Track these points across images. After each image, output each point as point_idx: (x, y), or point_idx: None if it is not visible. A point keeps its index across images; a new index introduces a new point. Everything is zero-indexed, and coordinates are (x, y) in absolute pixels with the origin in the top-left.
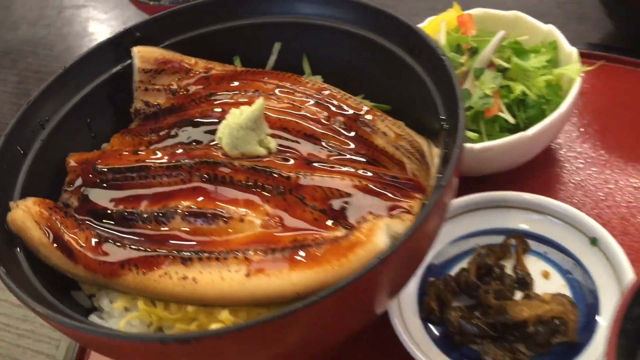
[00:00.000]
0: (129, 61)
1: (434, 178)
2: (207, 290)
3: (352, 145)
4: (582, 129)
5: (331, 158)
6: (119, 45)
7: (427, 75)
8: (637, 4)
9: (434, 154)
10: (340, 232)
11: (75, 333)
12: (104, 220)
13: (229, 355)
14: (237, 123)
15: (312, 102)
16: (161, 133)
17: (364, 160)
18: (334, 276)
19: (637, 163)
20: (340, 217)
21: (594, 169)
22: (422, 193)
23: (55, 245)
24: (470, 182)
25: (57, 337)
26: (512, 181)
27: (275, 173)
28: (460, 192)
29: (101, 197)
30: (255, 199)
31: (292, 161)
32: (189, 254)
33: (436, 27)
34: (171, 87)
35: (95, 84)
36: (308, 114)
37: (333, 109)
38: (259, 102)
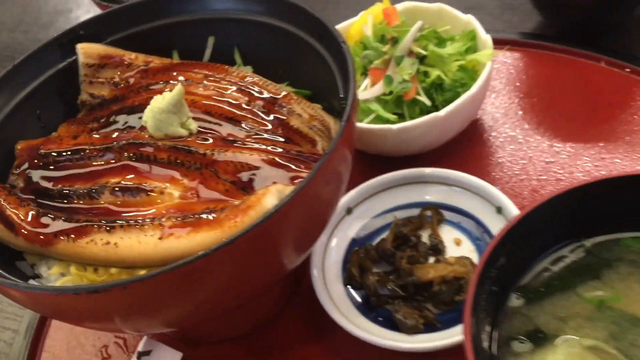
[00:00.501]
0: (74, 57)
1: None
2: (126, 253)
3: (270, 126)
4: (502, 111)
5: (248, 138)
6: (65, 43)
7: (333, 61)
8: (560, 1)
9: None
10: None
11: (5, 290)
12: (45, 198)
13: (134, 303)
14: (159, 107)
15: (234, 88)
16: (101, 120)
17: (281, 139)
18: (231, 235)
19: (550, 140)
20: (248, 187)
21: (511, 147)
22: None
23: None
24: (397, 162)
25: (21, 314)
26: (437, 160)
27: (192, 150)
28: (387, 171)
29: (43, 177)
30: (175, 174)
31: (210, 140)
32: (112, 222)
33: (366, 20)
34: (114, 79)
35: (43, 78)
36: (230, 99)
37: (254, 94)
38: (178, 87)
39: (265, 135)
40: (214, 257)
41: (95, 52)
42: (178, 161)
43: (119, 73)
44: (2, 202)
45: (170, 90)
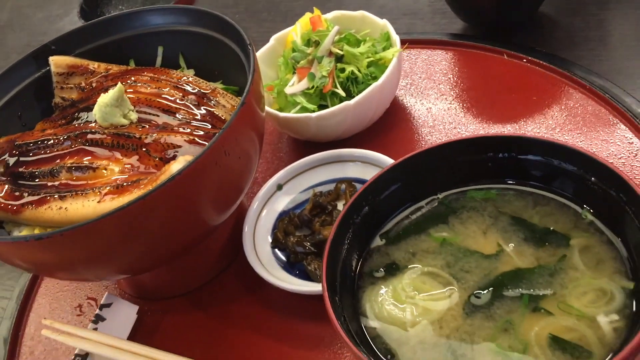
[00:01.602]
0: (48, 68)
1: None
2: (74, 215)
3: (199, 116)
4: (419, 100)
5: (180, 125)
6: (39, 56)
7: (245, 59)
8: (469, 4)
9: None
10: None
11: None
12: (19, 179)
13: (73, 249)
14: (104, 102)
15: (172, 86)
16: (67, 117)
17: (209, 126)
18: None
19: (456, 123)
20: (171, 161)
21: (423, 130)
22: None
23: None
24: (325, 146)
25: (14, 285)
26: (359, 143)
27: (131, 135)
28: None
29: (17, 163)
30: (117, 154)
31: (147, 127)
32: (65, 193)
33: (294, 28)
34: (80, 85)
35: (23, 85)
36: (168, 95)
37: (189, 90)
38: (119, 86)
39: (194, 123)
40: (130, 209)
41: (64, 62)
42: (120, 144)
43: (84, 79)
44: None
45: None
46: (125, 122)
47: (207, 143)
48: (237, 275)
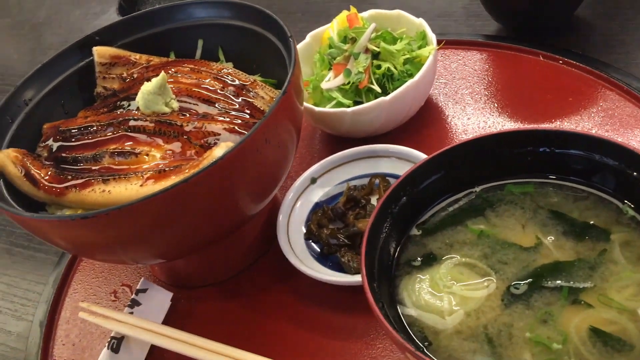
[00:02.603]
0: (91, 58)
1: None
2: (117, 197)
3: (237, 106)
4: (452, 98)
5: (219, 115)
6: (84, 46)
7: (286, 53)
8: (504, 5)
9: None
10: None
11: (21, 219)
12: (62, 163)
13: (117, 229)
14: (148, 90)
15: (212, 78)
16: (110, 106)
17: (247, 116)
18: None
19: (491, 122)
20: (214, 147)
21: (458, 129)
22: None
23: (25, 177)
24: (358, 142)
25: (50, 270)
26: (393, 139)
27: (172, 122)
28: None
29: (61, 148)
30: (159, 141)
31: (187, 115)
32: (108, 176)
33: (331, 25)
34: (122, 75)
35: (66, 74)
36: (208, 86)
37: (228, 81)
38: (162, 74)
39: (233, 112)
40: (172, 192)
41: (107, 53)
42: (161, 131)
43: (126, 70)
44: (29, 165)
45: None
46: (167, 110)
47: (246, 132)
48: (270, 265)
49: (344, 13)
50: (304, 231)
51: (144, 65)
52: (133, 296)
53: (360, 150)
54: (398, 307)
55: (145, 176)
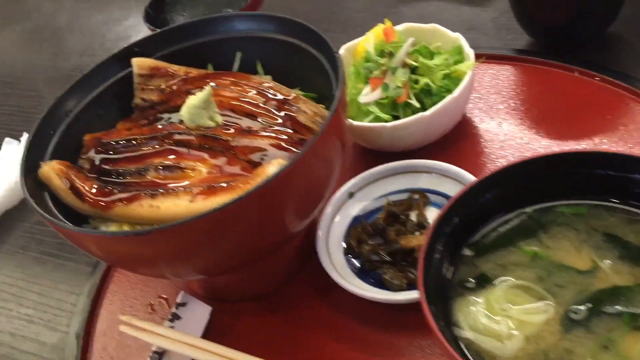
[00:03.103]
0: (130, 69)
1: None
2: (165, 213)
3: (280, 121)
4: (487, 114)
5: (262, 129)
6: (123, 58)
7: (331, 70)
8: (538, 20)
9: None
10: None
11: (71, 233)
12: (105, 176)
13: (168, 246)
14: (193, 104)
15: (254, 91)
16: (150, 118)
17: (290, 131)
18: None
19: (527, 138)
20: (259, 165)
21: (493, 145)
22: None
23: (69, 190)
24: (394, 156)
25: (84, 281)
26: (429, 154)
27: (218, 137)
28: (385, 163)
29: (103, 160)
30: (205, 155)
31: (232, 130)
32: (155, 191)
33: (369, 38)
34: (160, 87)
35: (105, 85)
36: (250, 100)
37: (269, 95)
38: (207, 88)
39: (276, 127)
40: (227, 210)
41: (147, 64)
42: (207, 146)
43: (164, 81)
44: (73, 178)
45: None
46: (211, 124)
47: (292, 148)
48: (309, 280)
49: (380, 26)
50: (344, 246)
51: (183, 77)
52: (173, 310)
53: (399, 165)
54: (454, 330)
55: (195, 192)
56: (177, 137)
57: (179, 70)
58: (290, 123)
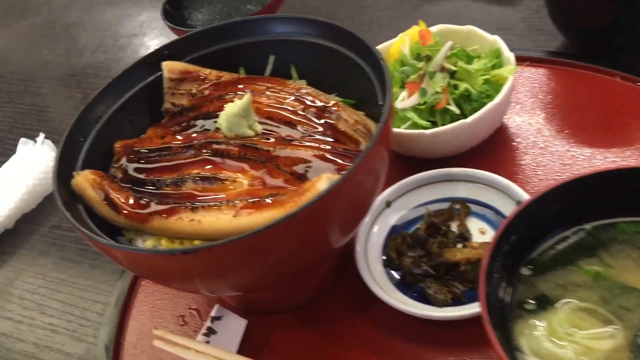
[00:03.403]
0: (160, 73)
1: None
2: (207, 228)
3: (321, 129)
4: (526, 120)
5: (303, 137)
6: (152, 61)
7: (374, 75)
8: (576, 22)
9: None
10: None
11: (112, 251)
12: (139, 186)
13: (214, 265)
14: (232, 112)
15: (292, 98)
16: (182, 124)
17: (330, 139)
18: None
19: (568, 146)
20: (303, 177)
21: (533, 152)
22: None
23: (104, 201)
24: (431, 163)
25: (110, 290)
26: (466, 162)
27: (259, 147)
28: (423, 171)
29: (137, 169)
30: (245, 166)
31: (272, 139)
32: (196, 204)
33: (404, 41)
34: (191, 91)
35: (135, 90)
36: (288, 107)
37: (308, 102)
38: (247, 96)
39: (317, 136)
40: (278, 227)
41: (177, 68)
42: (247, 156)
43: (196, 86)
44: (107, 188)
45: (240, 99)
46: (250, 133)
47: (336, 159)
48: (347, 292)
49: (414, 28)
50: (382, 258)
51: (214, 81)
52: (209, 324)
53: (438, 174)
54: (516, 354)
55: (239, 206)
56: (215, 146)
57: (210, 74)
58: (330, 132)
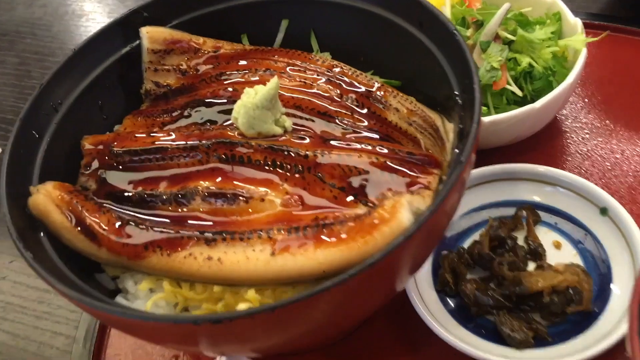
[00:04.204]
0: (137, 42)
1: (450, 153)
2: (233, 270)
3: (366, 122)
4: (586, 100)
5: (346, 135)
6: (127, 26)
7: (438, 50)
8: None
9: (448, 129)
10: (361, 210)
11: (109, 317)
12: (123, 203)
13: (257, 334)
14: (253, 102)
15: (323, 79)
16: (174, 114)
17: (378, 136)
18: (359, 254)
19: (635, 138)
20: (359, 194)
21: (599, 139)
22: (439, 168)
23: (78, 228)
24: (481, 155)
25: (74, 317)
26: (519, 153)
27: (293, 152)
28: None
29: (119, 179)
30: (274, 178)
31: (307, 139)
32: (212, 234)
33: (443, 1)
34: (180, 67)
35: (105, 65)
36: (320, 92)
37: (344, 86)
38: (274, 80)
39: (365, 133)
40: (357, 279)
41: (161, 36)
42: (277, 163)
43: (186, 60)
44: (79, 209)
45: (248, 81)
46: (278, 130)
47: (402, 169)
48: (389, 322)
49: None
50: (432, 279)
51: (211, 53)
52: None
53: (495, 171)
54: None
55: (278, 239)
56: (230, 149)
57: (205, 43)
58: (378, 125)
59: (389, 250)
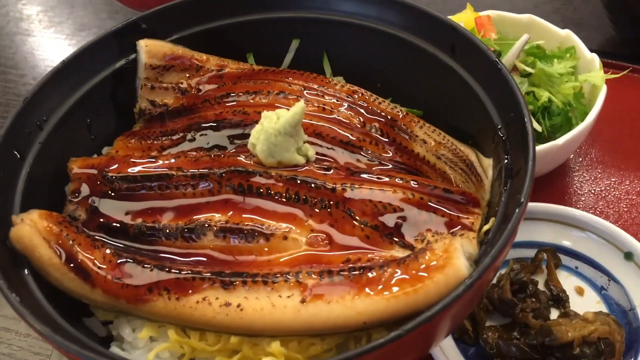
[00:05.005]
0: (133, 55)
1: (488, 191)
2: (256, 319)
3: (391, 154)
4: (596, 137)
5: (373, 168)
6: (124, 37)
7: (472, 78)
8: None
9: (485, 164)
10: (397, 252)
11: None
12: (119, 236)
13: None
14: (275, 128)
15: (345, 105)
16: (174, 137)
17: (405, 169)
18: (408, 304)
19: None
20: (395, 234)
21: (613, 179)
22: (478, 207)
23: (68, 266)
24: None
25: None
26: (535, 189)
27: (318, 185)
28: None
29: (114, 208)
30: (298, 213)
31: (332, 171)
32: (229, 276)
33: None
34: (180, 85)
35: (96, 80)
36: (341, 119)
37: (366, 113)
38: (300, 105)
39: (390, 166)
40: (414, 334)
41: (161, 51)
42: (300, 197)
43: (186, 77)
44: (70, 243)
45: (267, 105)
46: (300, 160)
47: (442, 207)
48: None
49: (465, 13)
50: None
51: (215, 72)
52: None
53: None
54: None
55: (308, 284)
56: (247, 179)
57: (208, 61)
58: (406, 157)
59: (449, 302)
